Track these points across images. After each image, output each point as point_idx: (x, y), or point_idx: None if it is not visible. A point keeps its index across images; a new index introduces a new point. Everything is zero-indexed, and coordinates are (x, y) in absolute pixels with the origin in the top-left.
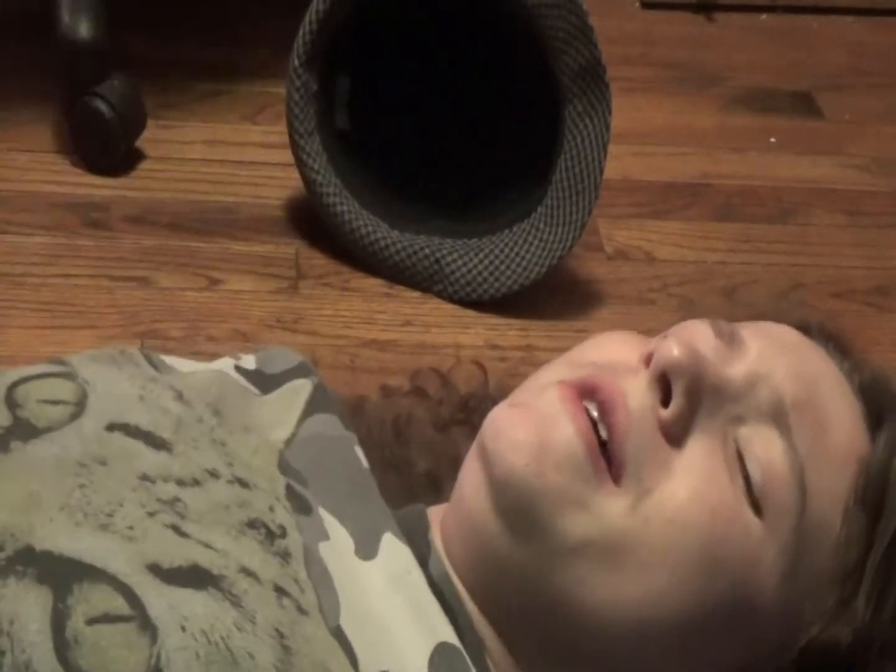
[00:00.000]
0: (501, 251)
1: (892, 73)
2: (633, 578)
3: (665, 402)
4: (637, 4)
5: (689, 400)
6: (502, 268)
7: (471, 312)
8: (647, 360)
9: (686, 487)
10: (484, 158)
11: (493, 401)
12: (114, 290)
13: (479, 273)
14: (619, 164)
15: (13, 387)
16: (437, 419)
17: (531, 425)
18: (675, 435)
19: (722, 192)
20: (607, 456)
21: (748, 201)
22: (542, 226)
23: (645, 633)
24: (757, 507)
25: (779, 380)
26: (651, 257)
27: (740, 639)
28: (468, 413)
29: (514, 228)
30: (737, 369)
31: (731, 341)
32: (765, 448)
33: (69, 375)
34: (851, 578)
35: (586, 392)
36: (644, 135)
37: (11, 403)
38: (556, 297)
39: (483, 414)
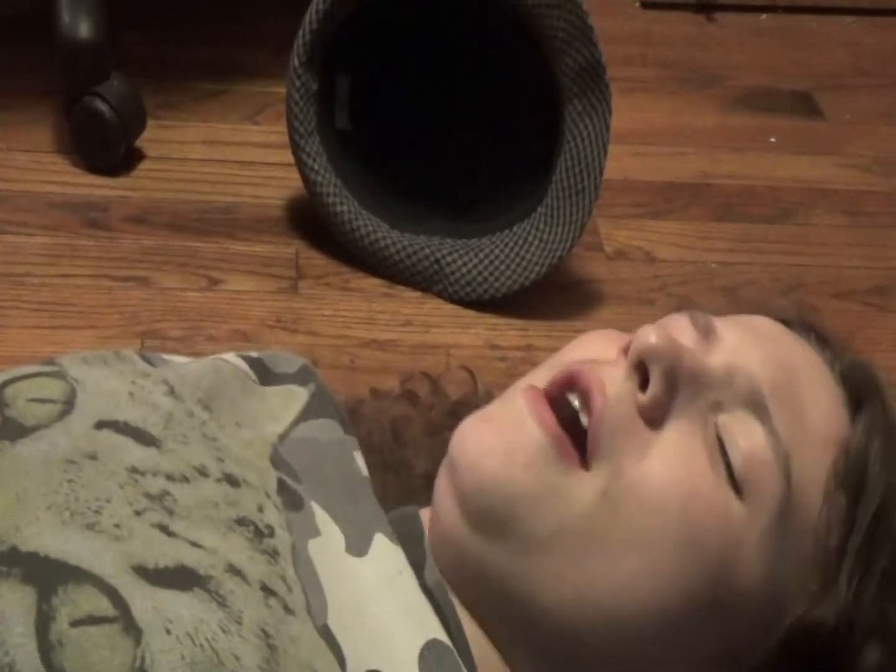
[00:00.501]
0: (501, 251)
1: (892, 73)
2: (607, 565)
3: (643, 388)
4: (637, 4)
5: (667, 384)
6: (502, 268)
7: (471, 312)
8: (626, 351)
9: (661, 469)
10: (484, 158)
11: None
12: (114, 290)
13: (479, 273)
14: (619, 164)
15: (2, 387)
16: (429, 424)
17: (496, 434)
18: (654, 418)
19: (722, 192)
20: (583, 446)
21: (748, 201)
22: (542, 226)
23: (623, 621)
24: (738, 490)
25: (755, 368)
26: (651, 257)
27: (724, 622)
28: (459, 420)
29: (514, 228)
30: (714, 359)
31: (708, 333)
32: (746, 433)
33: (58, 374)
34: (833, 560)
35: (567, 384)
36: (644, 135)
37: (1, 404)
38: (556, 297)
39: None
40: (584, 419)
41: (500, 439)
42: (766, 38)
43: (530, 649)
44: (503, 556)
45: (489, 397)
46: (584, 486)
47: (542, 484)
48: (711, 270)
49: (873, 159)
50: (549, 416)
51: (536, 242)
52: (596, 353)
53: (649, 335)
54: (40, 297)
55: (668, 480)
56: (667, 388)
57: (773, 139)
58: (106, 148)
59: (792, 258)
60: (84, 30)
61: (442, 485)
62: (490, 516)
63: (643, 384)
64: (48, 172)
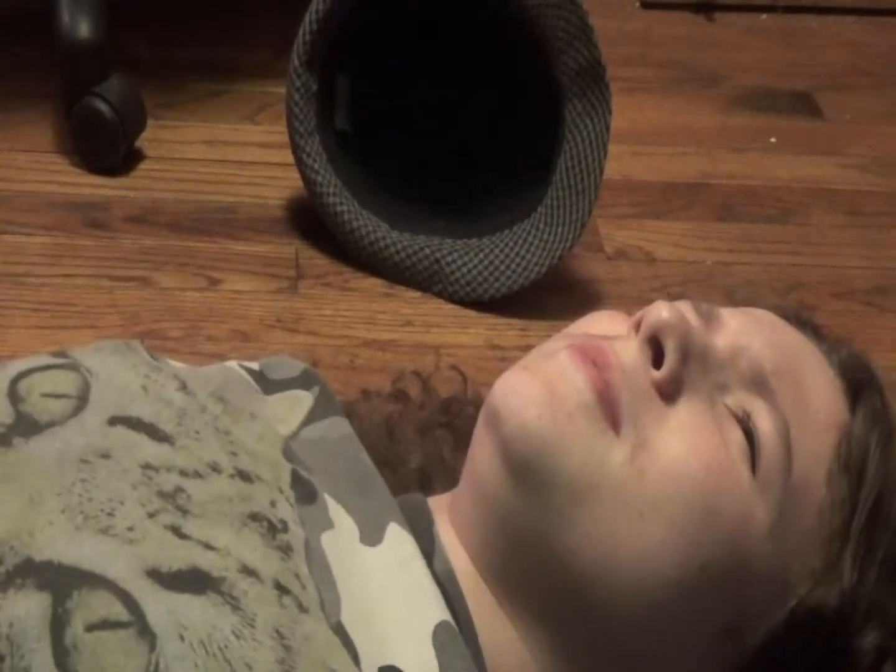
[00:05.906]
0: (501, 251)
1: (892, 73)
2: (633, 530)
3: (656, 363)
4: (637, 4)
5: (681, 359)
6: (502, 268)
7: (471, 312)
8: (637, 326)
9: (680, 441)
10: (484, 158)
11: (475, 406)
12: (114, 290)
13: (479, 273)
14: (619, 164)
15: (16, 380)
16: (420, 422)
17: (541, 382)
18: (669, 393)
19: (722, 192)
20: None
21: (748, 201)
22: (542, 226)
23: (643, 588)
24: (748, 465)
25: (758, 350)
26: (651, 257)
27: (733, 596)
28: (451, 417)
29: (514, 228)
30: (718, 341)
31: (710, 319)
32: (753, 412)
33: (72, 366)
34: (837, 541)
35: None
36: (644, 135)
37: (14, 398)
38: (556, 297)
39: (465, 419)
40: None
41: (545, 388)
42: (766, 38)
43: (549, 616)
44: (539, 509)
45: (479, 396)
46: (616, 450)
47: (582, 437)
48: (711, 270)
49: (873, 159)
50: (594, 372)
51: (536, 242)
52: (607, 330)
53: (661, 310)
54: (40, 297)
55: (688, 453)
56: (681, 363)
57: (773, 139)
58: (106, 148)
59: (792, 258)
60: (84, 30)
61: (480, 436)
62: (530, 464)
63: (656, 358)
64: (48, 172)
